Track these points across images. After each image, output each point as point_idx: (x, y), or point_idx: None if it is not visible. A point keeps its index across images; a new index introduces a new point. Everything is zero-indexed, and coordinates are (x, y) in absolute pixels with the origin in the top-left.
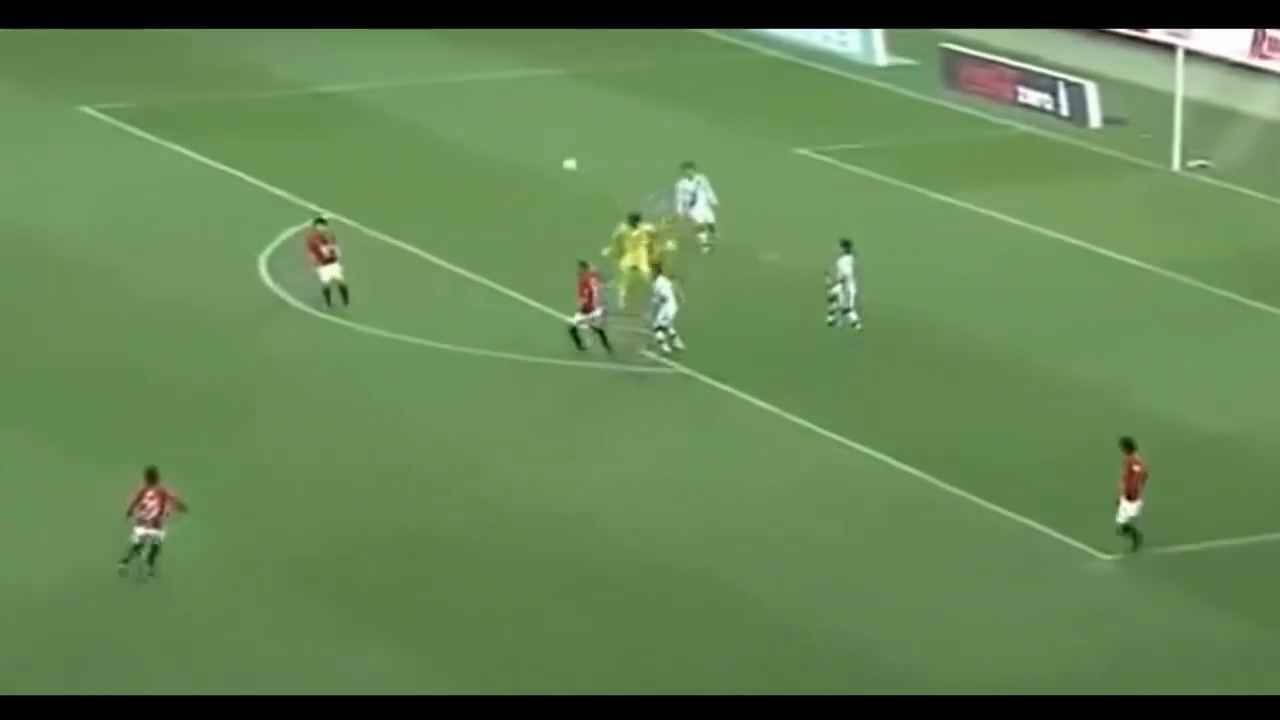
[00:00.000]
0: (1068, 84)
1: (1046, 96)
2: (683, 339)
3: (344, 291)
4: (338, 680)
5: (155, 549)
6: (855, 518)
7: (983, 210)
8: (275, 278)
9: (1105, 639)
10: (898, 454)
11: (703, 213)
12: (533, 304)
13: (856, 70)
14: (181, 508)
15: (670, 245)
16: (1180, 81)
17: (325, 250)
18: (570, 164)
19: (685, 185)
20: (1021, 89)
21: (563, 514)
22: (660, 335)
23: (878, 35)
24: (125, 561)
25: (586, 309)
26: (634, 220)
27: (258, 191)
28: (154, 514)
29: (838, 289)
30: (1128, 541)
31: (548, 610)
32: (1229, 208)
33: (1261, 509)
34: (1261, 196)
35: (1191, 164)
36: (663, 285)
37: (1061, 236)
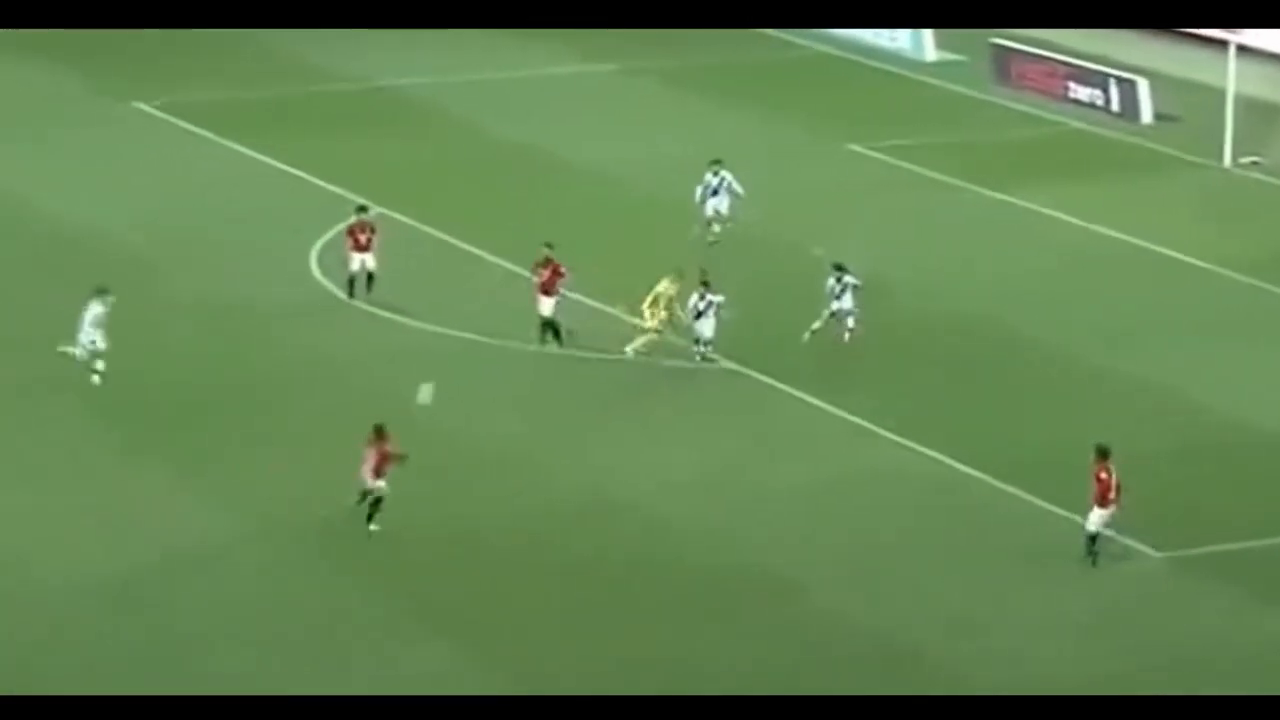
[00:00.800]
0: (1119, 80)
1: (1098, 92)
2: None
3: (370, 278)
4: (390, 679)
5: (377, 500)
6: (908, 515)
7: (1034, 207)
8: (325, 273)
9: (1159, 637)
10: (952, 452)
11: (718, 204)
12: (586, 301)
13: (907, 66)
14: (401, 458)
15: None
16: (1232, 78)
17: (362, 238)
18: (425, 393)
19: (708, 179)
20: (1072, 85)
21: (612, 511)
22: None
23: (928, 31)
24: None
25: (546, 290)
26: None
27: (310, 187)
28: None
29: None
30: (1089, 550)
31: (594, 608)
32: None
33: None
34: None
35: (1244, 161)
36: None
37: (1115, 234)
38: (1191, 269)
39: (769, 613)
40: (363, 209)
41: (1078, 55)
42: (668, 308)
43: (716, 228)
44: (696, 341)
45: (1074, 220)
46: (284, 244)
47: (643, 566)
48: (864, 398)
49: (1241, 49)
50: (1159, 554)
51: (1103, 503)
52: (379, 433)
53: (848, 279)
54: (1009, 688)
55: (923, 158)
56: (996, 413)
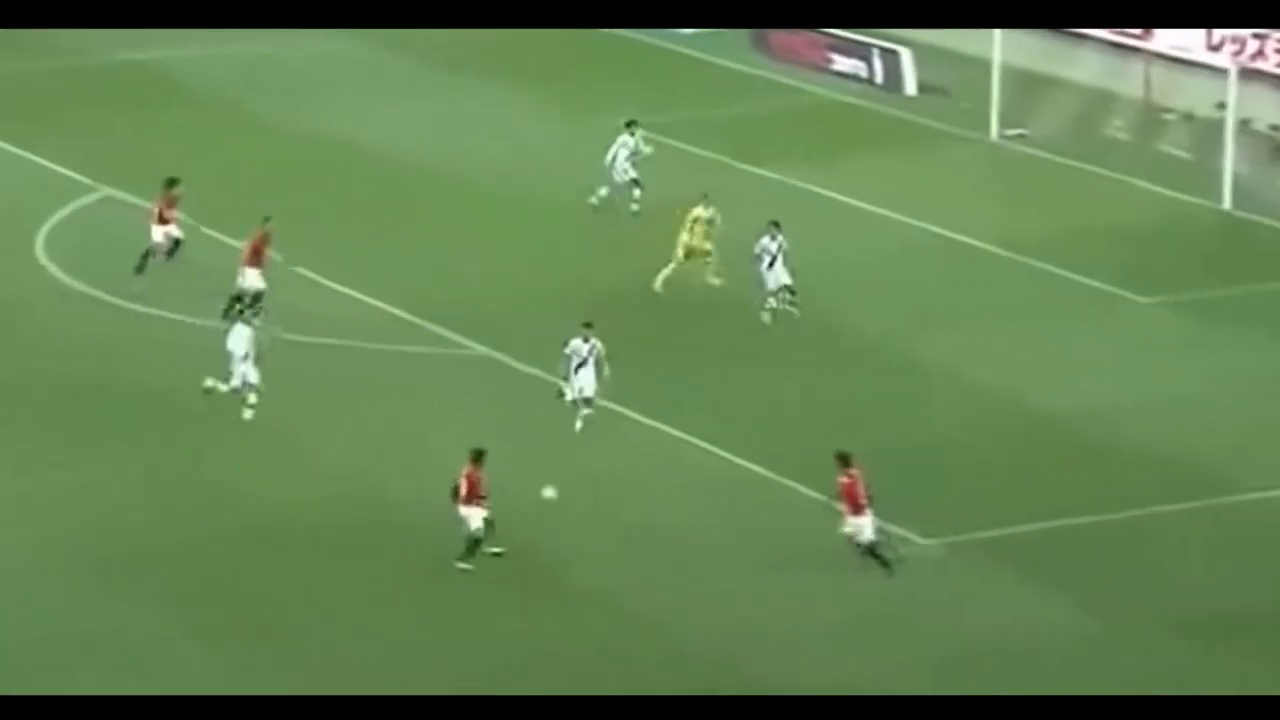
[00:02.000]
0: (882, 51)
1: (860, 63)
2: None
3: (176, 245)
4: (179, 679)
5: (475, 541)
6: (693, 511)
7: (796, 183)
8: (52, 258)
9: (935, 626)
10: (724, 444)
11: (625, 171)
12: (360, 297)
13: (664, 38)
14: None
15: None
16: (998, 49)
17: (168, 213)
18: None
19: (625, 140)
20: (834, 56)
21: (391, 502)
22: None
23: None
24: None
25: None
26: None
27: (35, 168)
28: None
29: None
30: (876, 563)
31: (386, 604)
32: (1047, 178)
33: (1094, 489)
34: (1081, 165)
35: (1010, 133)
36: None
37: (882, 210)
38: (959, 245)
39: (545, 610)
40: (173, 182)
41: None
42: (706, 233)
43: (637, 192)
44: (576, 401)
45: (839, 196)
46: (6, 228)
47: (416, 564)
48: (639, 385)
49: None
50: (933, 540)
51: (857, 510)
52: (476, 458)
53: (781, 237)
54: (790, 687)
55: (681, 133)
56: (768, 396)
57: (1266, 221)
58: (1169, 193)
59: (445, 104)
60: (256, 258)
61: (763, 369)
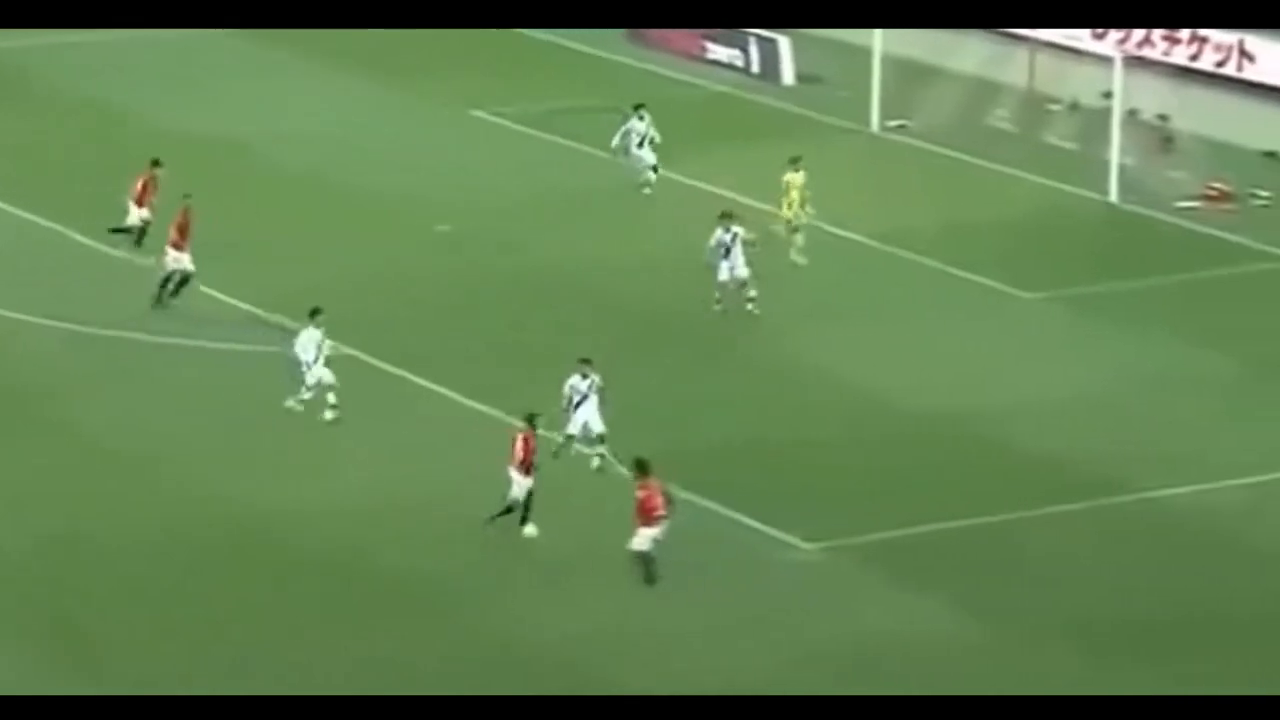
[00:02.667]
0: (759, 40)
1: (737, 53)
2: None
3: (142, 232)
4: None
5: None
6: (565, 512)
7: (671, 175)
8: None
9: (813, 632)
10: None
11: (644, 154)
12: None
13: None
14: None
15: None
16: (879, 37)
17: (148, 194)
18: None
19: (634, 125)
20: (710, 45)
21: (245, 509)
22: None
23: None
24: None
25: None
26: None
27: None
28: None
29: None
30: (641, 570)
31: (234, 615)
32: (930, 170)
33: (978, 490)
34: (964, 157)
35: (891, 124)
36: None
37: (757, 203)
38: (838, 239)
39: (412, 618)
40: (156, 163)
41: None
42: (801, 198)
43: (652, 176)
44: (572, 439)
45: (714, 189)
46: None
47: (286, 568)
48: (481, 382)
49: None
50: (815, 544)
51: (648, 522)
52: (531, 422)
53: (735, 229)
54: (656, 688)
55: (554, 124)
56: (640, 398)
57: (1153, 214)
58: (1054, 184)
59: (311, 97)
60: (181, 239)
61: (639, 368)
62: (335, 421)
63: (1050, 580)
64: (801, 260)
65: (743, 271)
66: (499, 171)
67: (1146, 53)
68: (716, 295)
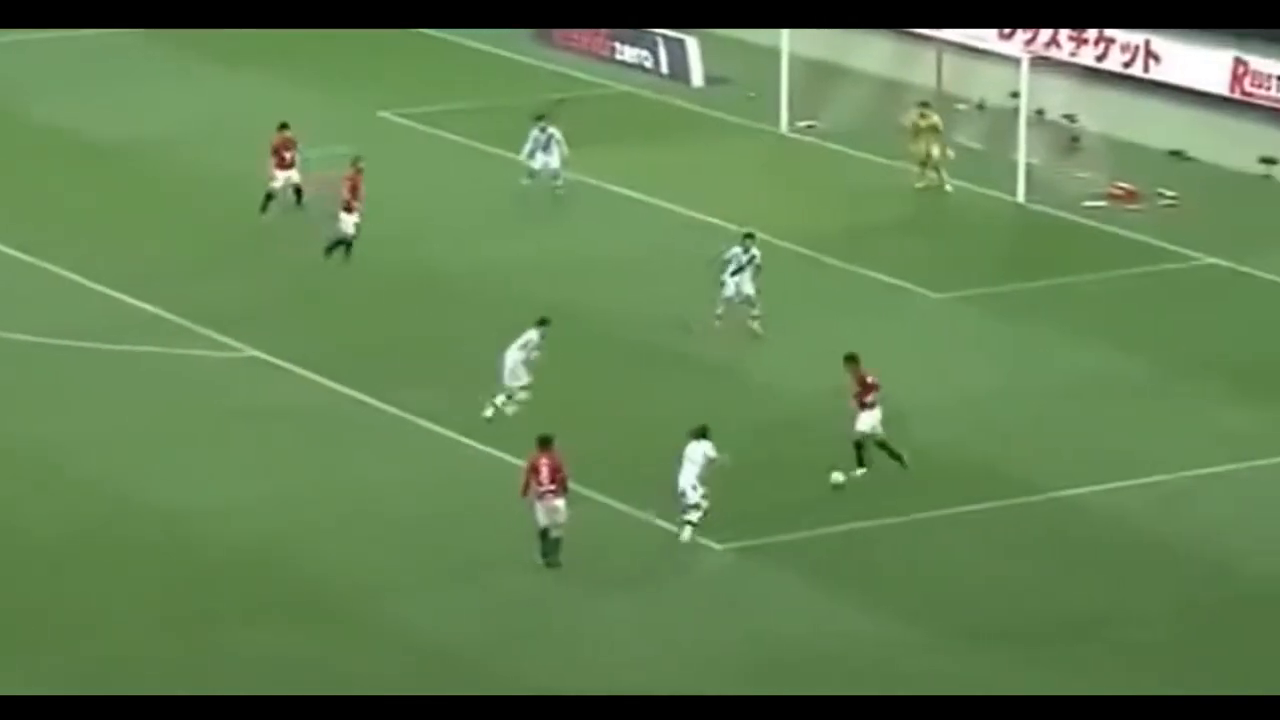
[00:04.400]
0: (668, 40)
1: (645, 53)
2: None
3: (298, 192)
4: None
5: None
6: (467, 515)
7: (579, 176)
8: None
9: (725, 634)
10: (485, 439)
11: (549, 159)
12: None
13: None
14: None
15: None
16: (786, 38)
17: (288, 156)
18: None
19: (535, 135)
20: (619, 45)
21: (145, 508)
22: None
23: None
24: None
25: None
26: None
27: None
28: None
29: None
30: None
31: (123, 616)
32: (838, 170)
33: (887, 491)
34: (872, 157)
35: (800, 125)
36: None
37: (667, 204)
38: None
39: (325, 618)
40: (285, 125)
41: None
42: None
43: (560, 181)
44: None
45: (623, 190)
46: None
47: (171, 567)
48: (425, 391)
49: None
50: (725, 545)
51: (557, 492)
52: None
53: (755, 252)
54: (566, 689)
55: (458, 124)
56: (547, 402)
57: (1060, 214)
58: (962, 184)
59: (215, 98)
60: (353, 198)
61: (550, 372)
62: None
63: (959, 580)
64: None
65: (749, 289)
66: (406, 172)
67: (1053, 53)
68: (719, 311)
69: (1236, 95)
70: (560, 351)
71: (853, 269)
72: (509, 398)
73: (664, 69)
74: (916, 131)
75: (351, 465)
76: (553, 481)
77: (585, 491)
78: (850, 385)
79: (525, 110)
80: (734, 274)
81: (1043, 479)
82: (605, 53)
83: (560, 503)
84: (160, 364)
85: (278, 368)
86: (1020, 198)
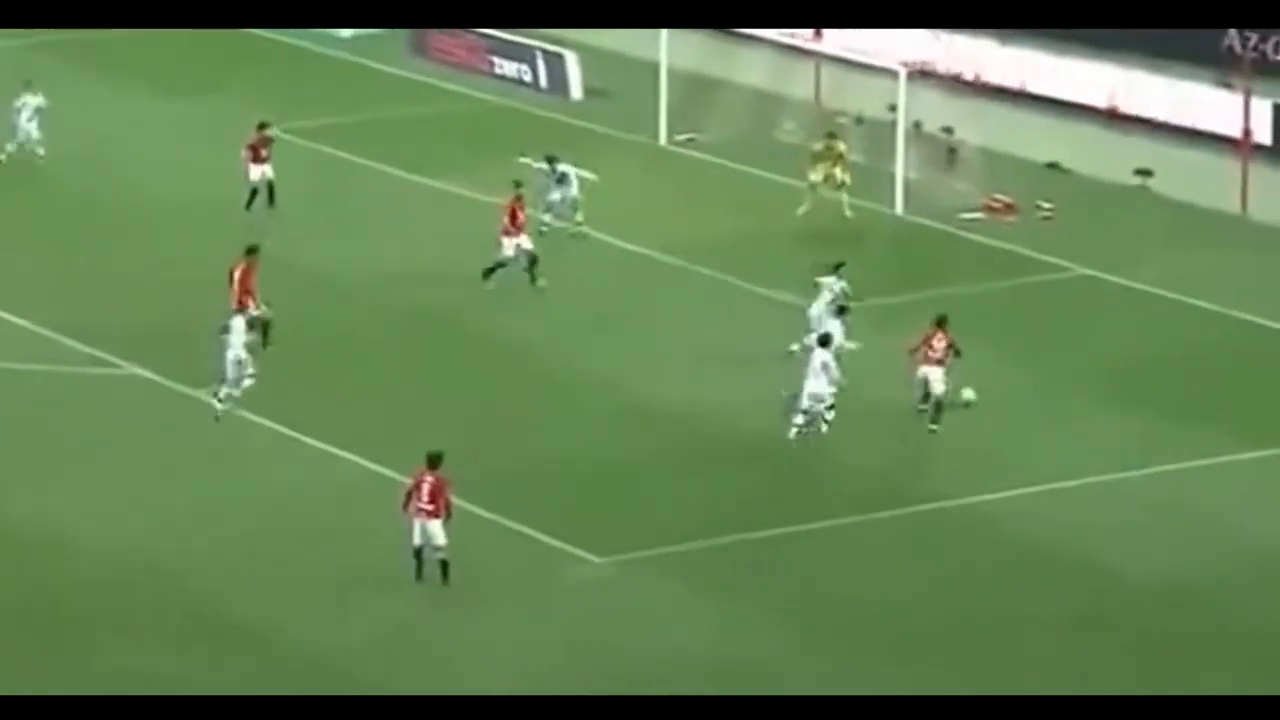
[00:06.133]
0: (546, 54)
1: (524, 67)
2: None
3: (270, 190)
4: None
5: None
6: (346, 532)
7: (456, 190)
8: None
9: (604, 650)
10: (395, 464)
11: (564, 194)
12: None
13: (318, 41)
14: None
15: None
16: (664, 50)
17: (264, 153)
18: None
19: (543, 167)
20: (497, 59)
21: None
22: None
23: None
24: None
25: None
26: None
27: None
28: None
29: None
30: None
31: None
32: (718, 182)
33: (773, 502)
34: (752, 170)
35: (680, 138)
36: None
37: (544, 217)
38: (627, 253)
39: (191, 628)
40: (264, 125)
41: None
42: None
43: (580, 215)
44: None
45: (501, 203)
46: None
47: (58, 589)
48: (291, 406)
49: None
50: (607, 558)
51: (435, 514)
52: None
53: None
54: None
55: (338, 139)
56: (433, 417)
57: (939, 226)
58: (840, 197)
59: (75, 106)
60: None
61: (422, 380)
62: None
63: (843, 589)
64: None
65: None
66: (283, 185)
67: (930, 67)
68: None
69: (1112, 109)
70: (443, 364)
71: (732, 281)
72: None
73: (543, 82)
74: (818, 159)
75: (233, 480)
76: (431, 502)
77: (469, 506)
78: (929, 345)
79: (401, 125)
80: (839, 313)
81: (924, 489)
82: (484, 66)
83: (435, 525)
84: (42, 382)
85: (159, 385)
86: (899, 210)
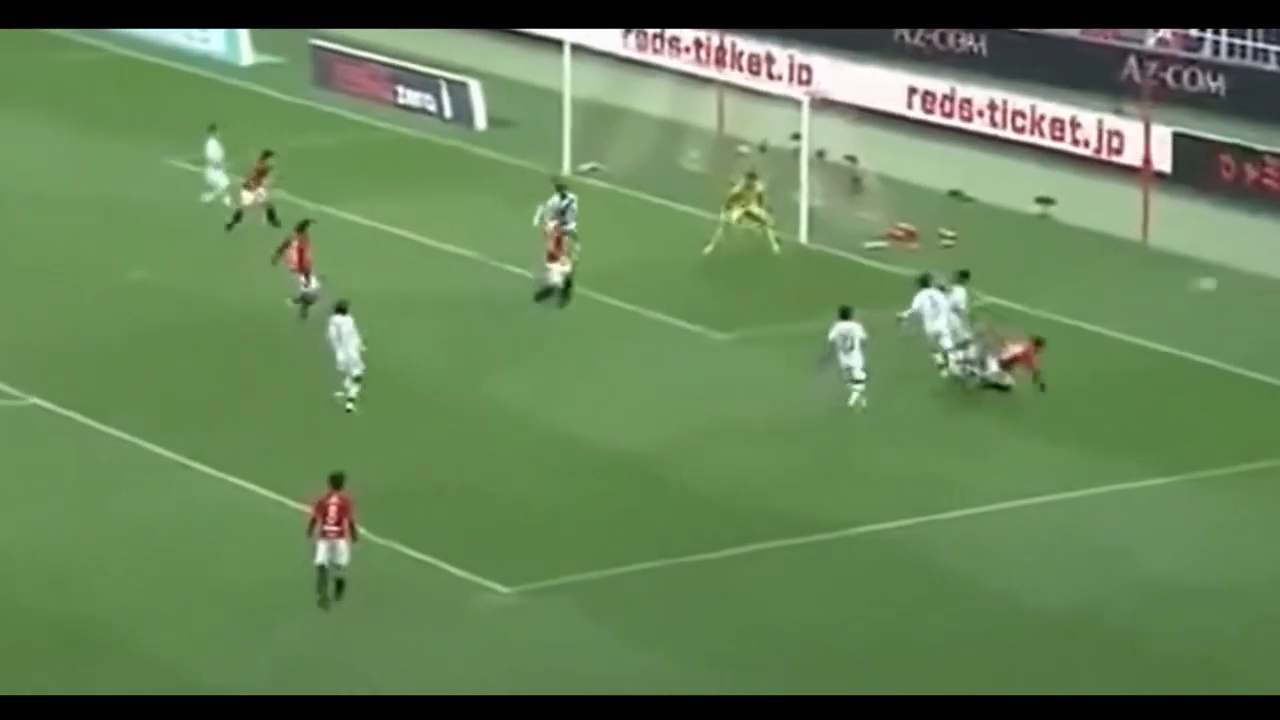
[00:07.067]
0: (450, 83)
1: (429, 97)
2: None
3: (271, 213)
4: None
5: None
6: (242, 559)
7: (361, 219)
8: None
9: (511, 679)
10: (290, 492)
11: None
12: None
13: (222, 71)
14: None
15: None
16: (568, 79)
17: (264, 179)
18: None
19: (554, 202)
20: (401, 89)
21: None
22: None
23: (243, 33)
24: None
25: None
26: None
27: None
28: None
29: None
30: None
31: None
32: (622, 212)
33: (673, 531)
34: (655, 199)
35: (584, 167)
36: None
37: (450, 247)
38: (531, 282)
39: (91, 663)
40: (268, 154)
41: (409, 58)
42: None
43: (578, 246)
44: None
45: (406, 234)
46: None
47: None
48: (180, 428)
49: (576, 49)
50: (511, 588)
51: (342, 534)
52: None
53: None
54: None
55: (242, 169)
56: (328, 444)
57: (843, 254)
58: (745, 226)
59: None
60: (558, 249)
61: (326, 414)
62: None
63: (749, 617)
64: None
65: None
66: (193, 218)
67: (833, 95)
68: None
69: (1011, 135)
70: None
71: (637, 310)
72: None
73: (447, 112)
74: (736, 199)
75: (125, 506)
76: (338, 523)
77: (371, 536)
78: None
79: (305, 154)
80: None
81: (826, 517)
82: (389, 96)
83: (343, 544)
84: None
85: (51, 413)
86: (803, 239)
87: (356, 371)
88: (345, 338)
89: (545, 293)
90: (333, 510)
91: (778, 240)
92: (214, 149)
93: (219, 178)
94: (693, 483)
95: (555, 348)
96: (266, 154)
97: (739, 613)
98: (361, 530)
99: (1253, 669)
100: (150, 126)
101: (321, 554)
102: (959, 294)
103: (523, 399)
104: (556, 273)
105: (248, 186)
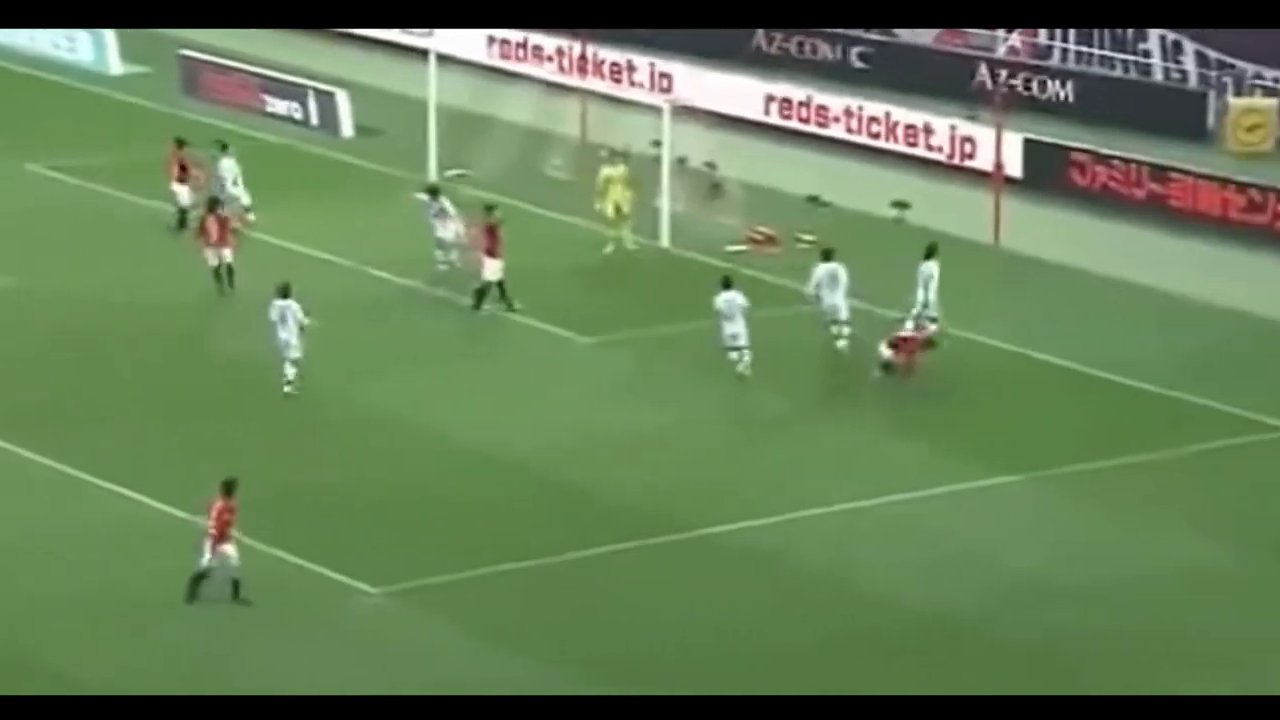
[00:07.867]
0: (317, 92)
1: (296, 105)
2: None
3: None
4: None
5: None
6: (138, 571)
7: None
8: None
9: (389, 676)
10: (178, 502)
11: (444, 230)
12: None
13: (88, 79)
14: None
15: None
16: (433, 87)
17: (193, 172)
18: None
19: (423, 200)
20: (268, 97)
21: None
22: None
23: (111, 42)
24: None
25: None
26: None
27: None
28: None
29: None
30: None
31: None
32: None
33: (539, 532)
34: (521, 205)
35: (450, 174)
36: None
37: (317, 253)
38: (396, 287)
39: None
40: (182, 142)
41: (276, 67)
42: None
43: (455, 254)
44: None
45: (274, 240)
46: None
47: None
48: (81, 444)
49: (442, 58)
50: (379, 589)
51: (221, 538)
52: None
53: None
54: None
55: (111, 177)
56: (214, 451)
57: (703, 258)
58: (610, 232)
59: None
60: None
61: (204, 415)
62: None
63: (617, 619)
64: (633, 246)
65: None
66: (56, 225)
67: (691, 103)
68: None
69: (867, 141)
70: (224, 397)
71: (503, 315)
72: None
73: (314, 120)
74: (608, 182)
75: (12, 518)
76: (216, 527)
77: (243, 539)
78: None
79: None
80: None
81: (689, 517)
82: (256, 104)
83: (227, 548)
84: None
85: None
86: (665, 243)
87: (295, 355)
88: (288, 320)
89: (482, 292)
90: (225, 515)
91: (636, 243)
92: (228, 166)
93: (239, 193)
94: (559, 484)
95: (423, 351)
96: (180, 143)
97: (603, 612)
98: (235, 533)
99: (1106, 668)
100: (14, 133)
101: (210, 558)
102: (930, 267)
103: (391, 402)
104: (494, 269)
105: (180, 181)
